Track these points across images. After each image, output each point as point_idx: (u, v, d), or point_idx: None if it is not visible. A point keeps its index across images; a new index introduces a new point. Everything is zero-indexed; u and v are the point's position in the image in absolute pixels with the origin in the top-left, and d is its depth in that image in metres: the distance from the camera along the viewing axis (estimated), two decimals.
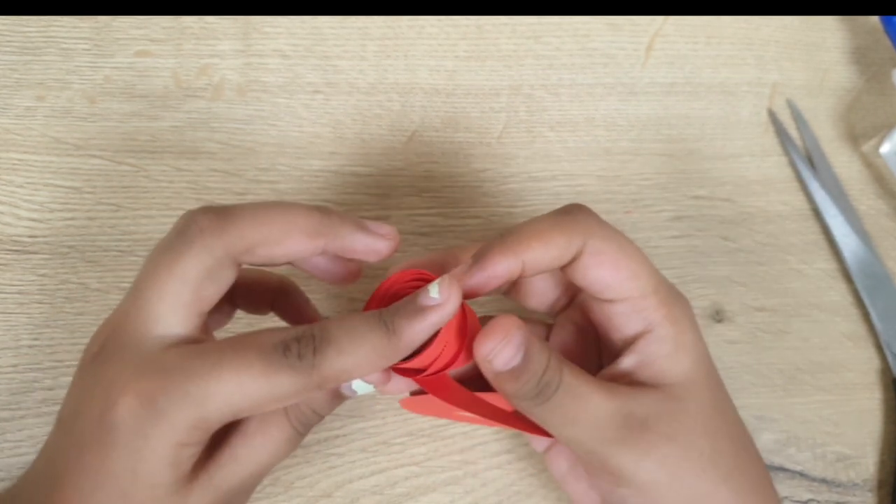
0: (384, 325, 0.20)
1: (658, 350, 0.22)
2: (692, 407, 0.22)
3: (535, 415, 0.22)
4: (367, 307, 0.23)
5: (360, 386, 0.22)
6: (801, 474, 0.34)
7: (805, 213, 0.38)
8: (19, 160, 0.32)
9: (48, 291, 0.30)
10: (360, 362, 0.20)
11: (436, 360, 0.22)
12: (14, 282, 0.30)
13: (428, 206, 0.34)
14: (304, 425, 0.23)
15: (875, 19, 0.40)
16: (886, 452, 0.35)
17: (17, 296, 0.30)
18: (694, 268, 0.36)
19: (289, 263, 0.23)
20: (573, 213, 0.23)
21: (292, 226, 0.22)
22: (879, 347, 0.36)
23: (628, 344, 0.23)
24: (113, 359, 0.21)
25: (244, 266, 0.22)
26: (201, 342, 0.21)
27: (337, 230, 0.22)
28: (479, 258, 0.22)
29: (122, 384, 0.20)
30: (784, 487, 0.33)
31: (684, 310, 0.24)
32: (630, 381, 0.23)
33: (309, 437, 0.30)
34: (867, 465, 0.34)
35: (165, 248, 0.21)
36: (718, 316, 0.35)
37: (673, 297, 0.24)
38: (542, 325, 0.27)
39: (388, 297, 0.23)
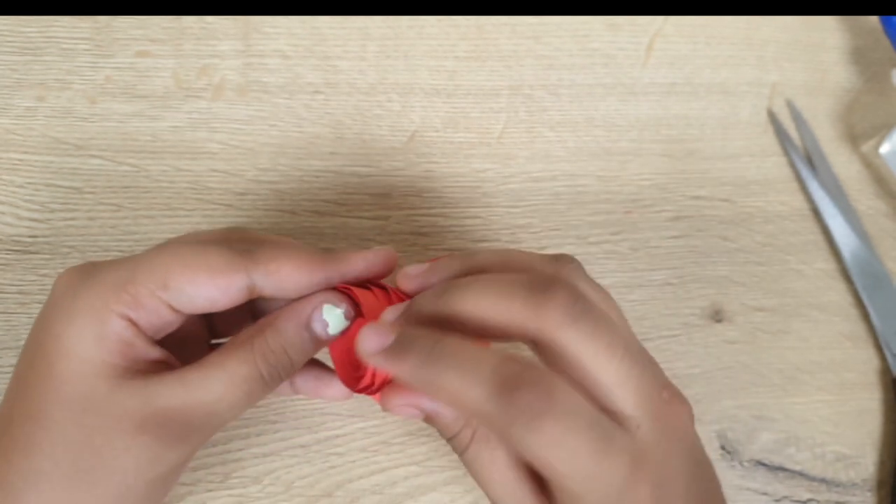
0: (319, 248, 0.22)
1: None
2: None
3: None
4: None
5: (332, 316, 0.22)
6: (801, 474, 0.34)
7: (804, 213, 0.38)
8: (20, 160, 0.32)
9: (49, 291, 0.30)
10: (292, 264, 0.21)
11: (377, 377, 0.22)
12: (15, 282, 0.30)
13: (428, 206, 0.34)
14: (270, 368, 0.21)
15: (875, 20, 0.40)
16: (886, 452, 0.35)
17: (17, 295, 0.30)
18: (693, 268, 0.36)
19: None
20: (549, 292, 0.19)
21: (299, 275, 0.22)
22: (879, 347, 0.36)
23: None
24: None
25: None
26: None
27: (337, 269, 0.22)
28: (433, 265, 0.22)
29: (64, 277, 0.22)
30: (783, 487, 0.33)
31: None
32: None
33: (309, 437, 0.30)
34: (867, 464, 0.34)
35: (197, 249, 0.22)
36: (718, 316, 0.35)
37: (608, 501, 0.19)
38: None
39: None
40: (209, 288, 0.20)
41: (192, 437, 0.21)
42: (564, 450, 0.18)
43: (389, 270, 0.23)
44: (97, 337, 0.20)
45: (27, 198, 0.31)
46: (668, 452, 0.20)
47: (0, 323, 0.30)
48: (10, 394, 0.21)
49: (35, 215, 0.31)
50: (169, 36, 0.34)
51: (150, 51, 0.34)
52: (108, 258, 0.31)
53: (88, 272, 0.21)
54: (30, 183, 0.32)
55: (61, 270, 0.30)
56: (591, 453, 0.18)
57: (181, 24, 0.34)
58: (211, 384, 0.20)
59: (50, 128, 0.32)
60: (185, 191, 0.32)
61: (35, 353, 0.21)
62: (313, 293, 0.22)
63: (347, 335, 0.23)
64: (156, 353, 0.21)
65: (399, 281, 0.23)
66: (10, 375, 0.29)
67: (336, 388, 0.25)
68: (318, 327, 0.22)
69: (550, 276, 0.20)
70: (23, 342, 0.29)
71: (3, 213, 0.31)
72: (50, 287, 0.30)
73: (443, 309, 0.20)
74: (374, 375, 0.22)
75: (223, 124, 0.33)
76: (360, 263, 0.22)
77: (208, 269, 0.20)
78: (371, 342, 0.19)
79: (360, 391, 0.23)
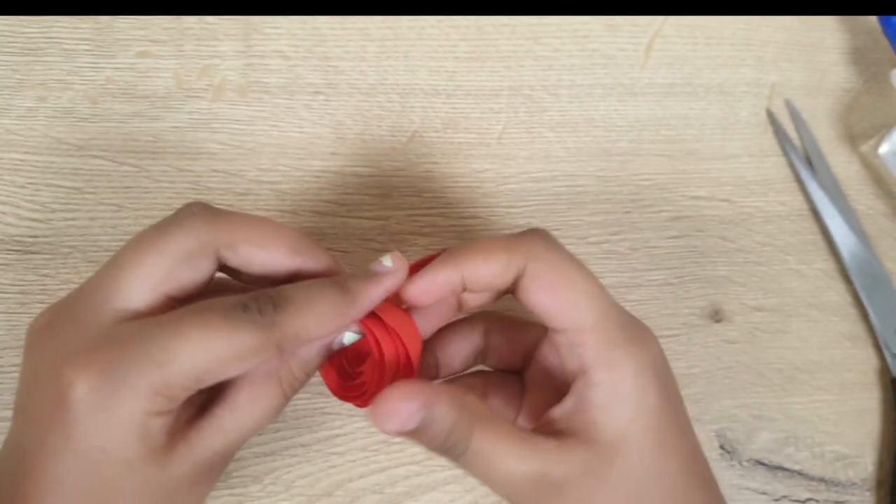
0: (340, 287, 0.21)
1: (591, 398, 0.21)
2: (617, 471, 0.20)
3: (459, 466, 0.22)
4: None
5: (349, 338, 0.23)
6: (800, 473, 0.34)
7: (804, 213, 0.38)
8: (21, 160, 0.32)
9: (50, 291, 0.30)
10: (318, 319, 0.20)
11: (371, 384, 0.23)
12: (16, 282, 0.30)
13: (428, 207, 0.34)
14: (293, 389, 0.22)
15: (874, 20, 0.41)
16: (885, 452, 0.35)
17: (19, 295, 0.30)
18: (693, 268, 0.36)
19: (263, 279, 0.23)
20: (523, 236, 0.23)
21: (277, 235, 0.22)
22: (878, 347, 0.36)
23: (570, 382, 0.22)
24: (65, 331, 0.20)
25: (221, 272, 0.22)
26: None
27: (316, 256, 0.22)
28: (425, 268, 0.22)
29: (74, 358, 0.19)
30: (783, 486, 0.33)
31: (630, 353, 0.21)
32: (565, 428, 0.21)
33: (309, 436, 0.30)
34: (866, 464, 0.34)
35: (155, 226, 0.22)
36: (717, 316, 0.35)
37: (622, 336, 0.21)
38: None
39: None
40: (238, 370, 0.20)
41: (226, 463, 0.22)
42: (579, 269, 0.22)
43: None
44: (141, 438, 0.19)
45: (28, 198, 0.31)
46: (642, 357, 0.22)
47: (2, 323, 0.30)
48: (49, 487, 0.20)
49: (36, 215, 0.31)
50: (170, 37, 0.34)
51: (151, 51, 0.34)
52: (109, 258, 0.31)
53: (117, 377, 0.19)
54: (31, 183, 0.32)
55: (62, 270, 0.30)
56: (597, 282, 0.22)
57: (182, 24, 0.34)
58: (245, 423, 0.21)
59: (51, 128, 0.32)
60: (185, 191, 0.33)
61: (71, 457, 0.19)
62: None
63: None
64: (191, 409, 0.22)
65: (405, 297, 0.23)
66: (10, 375, 0.29)
67: None
68: (335, 346, 0.23)
69: (521, 231, 0.23)
70: (23, 342, 0.29)
71: (4, 213, 0.31)
72: (51, 287, 0.30)
73: (450, 277, 0.22)
74: (364, 387, 0.23)
75: (224, 125, 0.34)
76: (381, 294, 0.22)
77: (240, 357, 0.20)
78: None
79: (345, 399, 0.23)
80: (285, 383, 0.22)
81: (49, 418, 0.19)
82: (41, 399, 0.20)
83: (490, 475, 0.21)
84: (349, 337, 0.23)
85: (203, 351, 0.19)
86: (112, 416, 0.19)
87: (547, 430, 0.22)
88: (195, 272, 0.21)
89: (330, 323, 0.21)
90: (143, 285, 0.20)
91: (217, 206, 0.22)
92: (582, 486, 0.20)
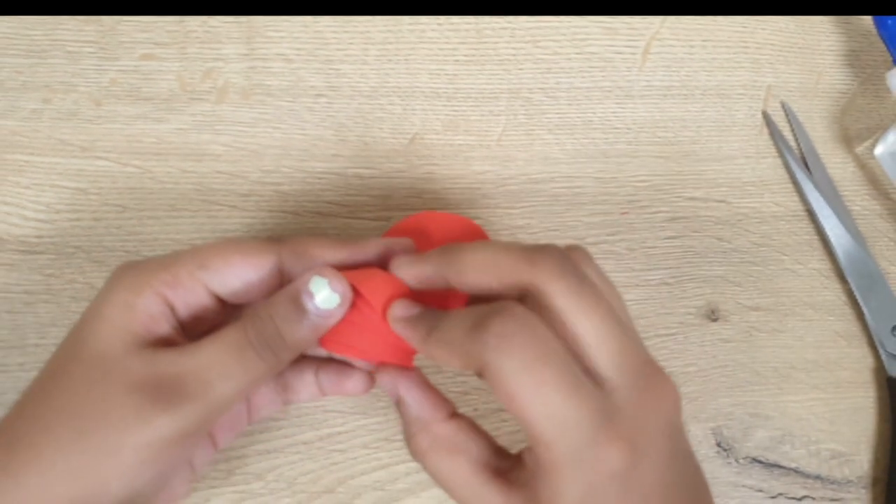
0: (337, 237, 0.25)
1: (538, 486, 0.20)
2: None
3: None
4: None
5: (320, 291, 0.22)
6: (796, 471, 0.34)
7: (799, 213, 0.38)
8: (26, 162, 0.32)
9: (54, 291, 0.31)
10: (316, 238, 0.24)
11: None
12: (21, 282, 0.31)
13: (429, 208, 0.35)
14: (259, 336, 0.22)
15: (869, 23, 0.41)
16: (880, 450, 0.35)
17: (23, 295, 0.31)
18: (689, 268, 0.36)
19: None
20: (488, 320, 0.20)
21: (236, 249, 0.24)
22: (873, 346, 0.36)
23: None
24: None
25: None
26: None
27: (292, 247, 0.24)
28: (422, 255, 0.24)
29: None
30: (779, 484, 0.34)
31: (585, 471, 0.19)
32: (524, 479, 0.21)
33: (311, 434, 0.31)
34: (861, 462, 0.35)
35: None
36: (713, 315, 0.36)
37: (577, 456, 0.19)
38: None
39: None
40: (243, 268, 0.23)
41: (184, 404, 0.21)
42: (533, 378, 0.19)
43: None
44: (128, 306, 0.22)
45: (33, 199, 0.32)
46: (646, 423, 0.20)
47: (6, 322, 0.30)
48: (49, 360, 0.23)
49: (41, 216, 0.32)
50: (173, 39, 0.34)
51: (155, 54, 0.34)
52: (113, 258, 0.31)
53: (136, 263, 0.23)
54: (35, 184, 0.32)
55: (67, 270, 0.31)
56: (560, 388, 0.19)
57: (185, 27, 0.35)
58: (203, 350, 0.22)
59: (55, 130, 0.33)
60: (189, 192, 0.33)
61: (74, 325, 0.22)
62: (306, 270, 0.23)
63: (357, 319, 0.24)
64: (178, 337, 0.23)
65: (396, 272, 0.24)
66: (15, 375, 0.30)
67: (356, 380, 0.26)
68: (305, 298, 0.22)
69: (545, 244, 0.21)
70: (28, 342, 0.30)
71: (9, 213, 0.31)
72: (55, 287, 0.31)
73: (447, 270, 0.22)
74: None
75: (227, 127, 0.34)
76: (380, 248, 0.24)
77: (242, 251, 0.23)
78: (400, 310, 0.23)
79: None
80: (248, 321, 0.22)
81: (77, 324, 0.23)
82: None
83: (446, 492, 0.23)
84: (317, 284, 0.22)
85: (209, 246, 0.23)
86: (118, 281, 0.22)
87: (518, 460, 0.22)
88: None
89: (327, 250, 0.23)
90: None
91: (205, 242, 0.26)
92: None
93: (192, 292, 0.22)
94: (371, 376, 0.26)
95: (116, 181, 0.32)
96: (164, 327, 0.22)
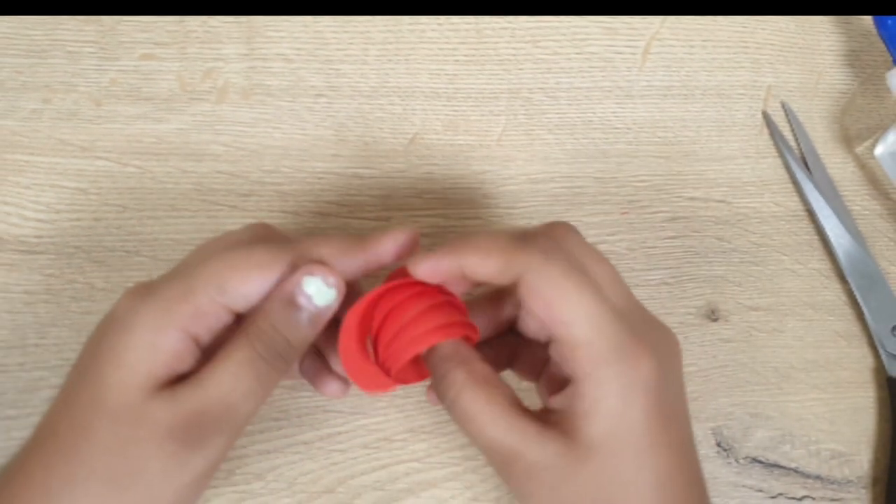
0: (349, 235, 0.24)
1: (576, 406, 0.21)
2: (587, 473, 0.21)
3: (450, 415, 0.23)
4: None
5: (315, 290, 0.22)
6: (796, 471, 0.34)
7: (799, 213, 0.38)
8: (26, 162, 0.32)
9: (54, 291, 0.31)
10: (328, 242, 0.23)
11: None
12: (21, 282, 0.31)
13: (429, 208, 0.35)
14: (267, 347, 0.22)
15: (869, 23, 0.41)
16: (880, 450, 0.35)
17: (23, 295, 0.31)
18: (689, 268, 0.36)
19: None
20: (527, 240, 0.22)
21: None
22: (873, 346, 0.36)
23: (563, 382, 0.23)
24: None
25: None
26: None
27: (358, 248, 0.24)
28: (436, 250, 0.23)
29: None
30: (779, 484, 0.34)
31: (623, 371, 0.21)
32: (555, 419, 0.22)
33: (311, 434, 0.31)
34: (861, 462, 0.35)
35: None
36: (713, 315, 0.36)
37: (614, 355, 0.21)
38: None
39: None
40: (261, 283, 0.22)
41: (215, 437, 0.21)
42: (573, 282, 0.21)
43: (414, 250, 0.25)
44: (151, 347, 0.21)
45: (33, 199, 0.32)
46: (662, 354, 0.22)
47: (6, 322, 0.30)
48: (60, 402, 0.22)
49: (41, 216, 0.32)
50: (173, 39, 0.34)
51: (155, 54, 0.34)
52: (114, 258, 0.31)
53: (148, 290, 0.22)
54: (35, 184, 0.32)
55: (67, 270, 0.31)
56: (596, 294, 0.21)
57: (185, 27, 0.35)
58: (220, 377, 0.21)
59: (55, 129, 0.33)
60: (189, 192, 0.33)
61: (88, 364, 0.21)
62: (295, 271, 0.23)
63: (354, 326, 0.24)
64: (195, 362, 0.22)
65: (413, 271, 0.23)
66: (15, 375, 0.30)
67: (333, 386, 0.26)
68: (301, 300, 0.22)
69: (534, 230, 0.23)
70: (28, 342, 0.30)
71: (9, 213, 0.31)
72: (55, 287, 0.31)
73: (451, 265, 0.23)
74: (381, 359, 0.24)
75: (227, 127, 0.34)
76: (391, 245, 0.24)
77: (258, 266, 0.22)
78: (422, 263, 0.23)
79: (373, 386, 0.24)
80: (252, 336, 0.22)
81: (94, 338, 0.22)
82: (97, 327, 0.23)
83: (473, 437, 0.22)
84: (310, 284, 0.22)
85: (223, 261, 0.22)
86: (137, 316, 0.21)
87: (545, 412, 0.23)
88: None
89: (338, 253, 0.23)
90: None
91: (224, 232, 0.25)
92: (551, 477, 0.21)
93: (214, 317, 0.22)
94: (346, 383, 0.26)
95: (116, 181, 0.32)
96: (188, 362, 0.22)
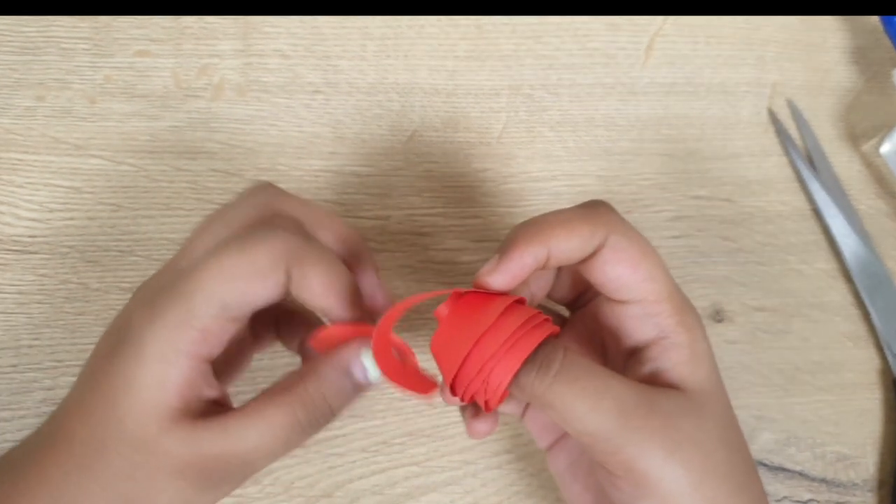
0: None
1: (675, 357, 0.22)
2: (711, 416, 0.21)
3: (552, 396, 0.20)
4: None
5: (373, 366, 0.22)
6: (801, 474, 0.34)
7: (805, 212, 0.38)
8: (19, 160, 0.32)
9: (48, 291, 0.30)
10: (326, 274, 0.22)
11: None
12: (14, 282, 0.30)
13: (428, 206, 0.34)
14: (309, 416, 0.21)
15: (875, 19, 0.40)
16: (886, 452, 0.35)
17: (16, 295, 0.30)
18: (694, 268, 0.36)
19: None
20: (597, 208, 0.23)
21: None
22: (879, 347, 0.36)
23: (638, 351, 0.23)
24: (149, 282, 0.23)
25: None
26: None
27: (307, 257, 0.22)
28: (504, 250, 0.21)
29: (138, 297, 0.22)
30: (784, 487, 0.33)
31: (696, 319, 0.23)
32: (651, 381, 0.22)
33: None
34: (867, 465, 0.34)
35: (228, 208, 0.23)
36: (718, 316, 0.35)
37: (686, 305, 0.23)
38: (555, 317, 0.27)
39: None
40: (264, 291, 0.21)
41: (226, 484, 0.21)
42: (648, 247, 0.22)
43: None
44: (163, 381, 0.20)
45: (26, 197, 0.31)
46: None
47: None
48: (74, 405, 0.21)
49: (34, 215, 0.31)
50: (168, 36, 0.34)
51: (150, 50, 0.34)
52: (107, 258, 0.31)
53: (154, 311, 0.21)
54: (29, 183, 0.32)
55: (61, 270, 0.30)
56: (661, 260, 0.23)
57: (181, 23, 0.34)
58: (250, 434, 0.21)
59: (49, 127, 0.32)
60: (184, 190, 0.32)
61: (103, 387, 0.21)
62: (352, 340, 0.22)
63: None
64: (213, 392, 0.22)
65: (481, 284, 0.22)
66: (9, 376, 0.29)
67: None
68: (358, 374, 0.22)
69: (583, 204, 0.23)
70: (22, 343, 0.30)
71: (2, 212, 0.31)
72: (49, 287, 0.30)
73: (538, 255, 0.22)
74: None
75: (222, 124, 0.33)
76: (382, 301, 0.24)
77: (258, 275, 0.21)
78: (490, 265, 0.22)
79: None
80: (298, 401, 0.21)
81: (105, 350, 0.21)
82: (106, 336, 0.22)
83: (600, 397, 0.20)
84: (370, 359, 0.22)
85: (222, 273, 0.20)
86: (145, 345, 0.20)
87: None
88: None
89: (331, 298, 0.22)
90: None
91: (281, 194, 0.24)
92: (690, 423, 0.21)
93: (221, 332, 0.21)
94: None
95: (111, 179, 0.32)
96: (202, 384, 0.21)
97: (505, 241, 0.22)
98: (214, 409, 0.21)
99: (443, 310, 0.22)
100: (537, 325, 0.21)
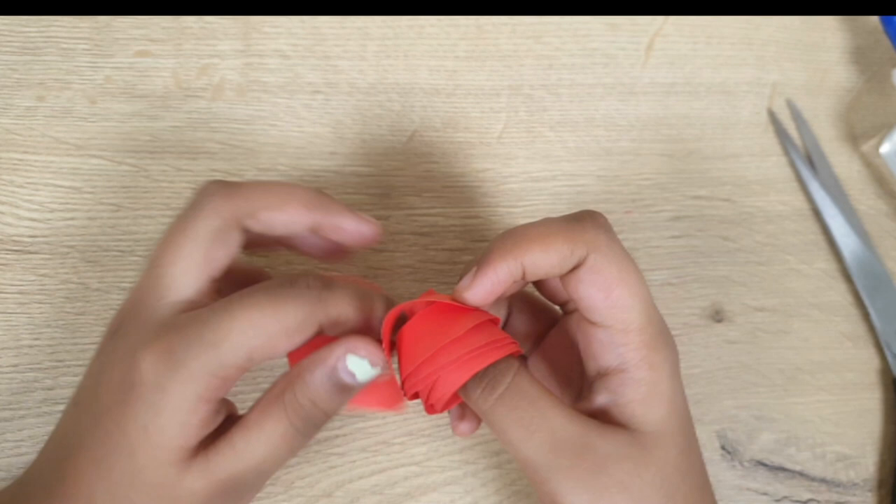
0: (377, 294, 0.23)
1: (630, 393, 0.21)
2: (654, 461, 0.21)
3: (493, 416, 0.21)
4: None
5: (359, 368, 0.22)
6: (801, 474, 0.34)
7: (805, 212, 0.38)
8: (19, 160, 0.32)
9: (48, 291, 0.30)
10: (356, 305, 0.22)
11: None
12: (14, 282, 0.30)
13: (428, 206, 0.34)
14: (304, 421, 0.22)
15: (875, 19, 0.40)
16: (886, 452, 0.35)
17: (17, 295, 0.30)
18: (694, 268, 0.36)
19: (283, 244, 0.25)
20: (583, 222, 0.22)
21: (291, 196, 0.23)
22: (879, 347, 0.36)
23: (601, 377, 0.22)
24: (131, 330, 0.22)
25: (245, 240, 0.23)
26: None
27: (329, 207, 0.24)
28: (479, 264, 0.21)
29: (142, 347, 0.21)
30: (784, 487, 0.33)
31: (667, 356, 0.22)
32: (600, 420, 0.22)
33: None
34: (867, 464, 0.34)
35: (179, 217, 0.23)
36: (718, 316, 0.35)
37: (659, 340, 0.22)
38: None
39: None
40: (288, 347, 0.21)
41: (248, 495, 0.22)
42: (632, 270, 0.22)
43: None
44: (183, 426, 0.20)
45: (27, 198, 0.31)
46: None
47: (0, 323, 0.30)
48: (89, 469, 0.21)
49: (35, 215, 0.31)
50: (169, 36, 0.34)
51: (150, 50, 0.34)
52: (108, 258, 0.31)
53: (175, 358, 0.20)
54: (29, 183, 0.32)
55: (61, 270, 0.30)
56: (645, 286, 0.22)
57: (181, 23, 0.34)
58: (255, 448, 0.21)
59: (50, 127, 0.32)
60: (184, 191, 0.32)
61: (116, 438, 0.21)
62: (339, 340, 0.22)
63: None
64: (221, 416, 0.22)
65: (459, 298, 0.22)
66: (8, 376, 0.29)
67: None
68: (344, 377, 0.22)
69: (573, 215, 0.22)
70: (22, 342, 0.29)
71: (2, 212, 0.31)
72: (49, 287, 0.30)
73: (512, 270, 0.21)
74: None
75: (223, 124, 0.33)
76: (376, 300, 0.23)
77: (286, 333, 0.21)
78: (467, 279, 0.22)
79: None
80: (290, 409, 0.21)
81: (110, 400, 0.21)
82: (106, 386, 0.21)
83: (534, 428, 0.20)
84: (355, 363, 0.22)
85: (252, 328, 0.20)
86: (166, 395, 0.20)
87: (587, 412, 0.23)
88: (227, 247, 0.22)
89: (362, 313, 0.22)
90: (187, 275, 0.22)
91: (230, 180, 0.24)
92: (623, 468, 0.20)
93: (238, 375, 0.21)
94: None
95: (111, 179, 0.32)
96: (215, 422, 0.21)
97: (482, 255, 0.22)
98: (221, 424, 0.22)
99: (420, 306, 0.22)
100: (500, 347, 0.22)
